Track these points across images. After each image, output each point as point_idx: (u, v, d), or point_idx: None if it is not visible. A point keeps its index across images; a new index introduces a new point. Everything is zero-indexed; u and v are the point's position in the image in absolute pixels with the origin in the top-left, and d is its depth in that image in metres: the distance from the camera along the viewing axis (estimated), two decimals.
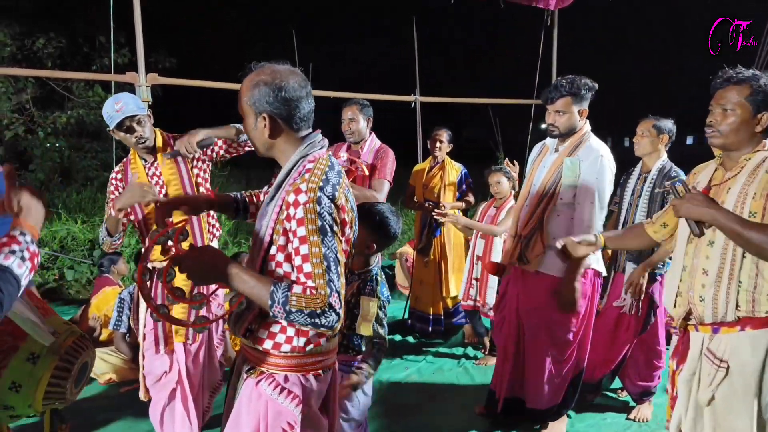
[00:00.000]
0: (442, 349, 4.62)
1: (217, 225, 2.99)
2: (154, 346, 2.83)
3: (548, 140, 3.13)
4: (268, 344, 1.63)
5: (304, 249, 1.49)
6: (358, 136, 3.65)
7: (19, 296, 1.35)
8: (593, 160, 2.84)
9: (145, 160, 2.79)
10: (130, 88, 4.17)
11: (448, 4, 5.72)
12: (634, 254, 3.31)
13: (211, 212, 2.89)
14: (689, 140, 43.43)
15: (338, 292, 1.50)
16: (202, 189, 2.85)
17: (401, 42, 7.13)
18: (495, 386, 3.31)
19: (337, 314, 1.49)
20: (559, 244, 2.47)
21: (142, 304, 2.91)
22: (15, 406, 1.55)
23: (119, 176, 2.85)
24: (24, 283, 1.39)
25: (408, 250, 5.73)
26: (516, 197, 4.00)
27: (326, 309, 1.47)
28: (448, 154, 4.76)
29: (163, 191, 2.76)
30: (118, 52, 9.89)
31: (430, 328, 4.79)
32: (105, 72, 9.67)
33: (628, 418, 3.43)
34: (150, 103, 4.05)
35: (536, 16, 6.69)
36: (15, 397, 1.54)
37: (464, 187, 4.70)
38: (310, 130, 1.68)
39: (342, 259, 1.54)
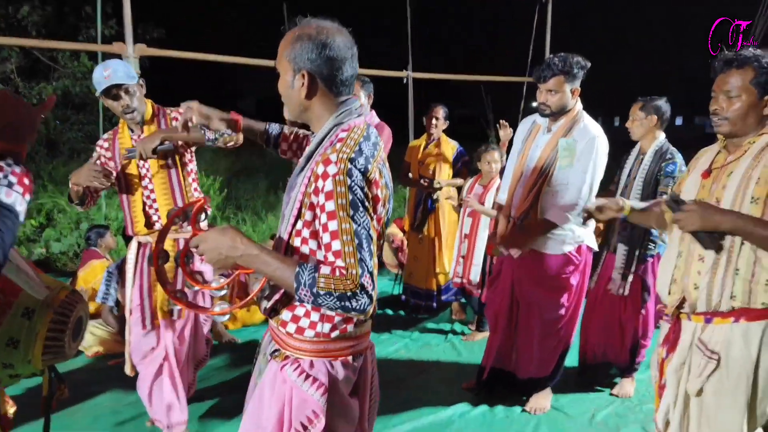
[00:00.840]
0: (429, 325, 4.67)
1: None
2: (141, 322, 2.84)
3: (538, 118, 3.09)
4: (291, 327, 1.54)
5: (332, 225, 1.38)
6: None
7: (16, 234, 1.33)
8: (589, 142, 2.84)
9: (133, 131, 2.76)
10: (117, 59, 4.10)
11: None
12: (626, 235, 3.29)
13: (196, 187, 2.89)
14: (678, 121, 43.61)
15: (370, 273, 1.38)
16: (189, 167, 2.83)
17: (395, 16, 7.05)
18: (485, 361, 3.37)
19: (369, 296, 1.38)
20: (590, 205, 2.35)
21: (129, 278, 2.90)
22: (14, 363, 1.52)
23: (106, 145, 2.83)
24: (21, 209, 1.31)
25: (394, 230, 5.75)
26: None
27: (357, 291, 1.35)
28: (443, 131, 4.74)
29: (146, 165, 2.74)
30: (106, 24, 9.69)
31: (423, 303, 4.85)
32: (91, 42, 9.48)
33: (611, 394, 3.49)
34: (139, 74, 3.98)
35: None
36: (13, 353, 1.51)
37: (460, 164, 4.70)
38: (350, 96, 1.54)
39: (374, 236, 1.42)
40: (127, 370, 2.95)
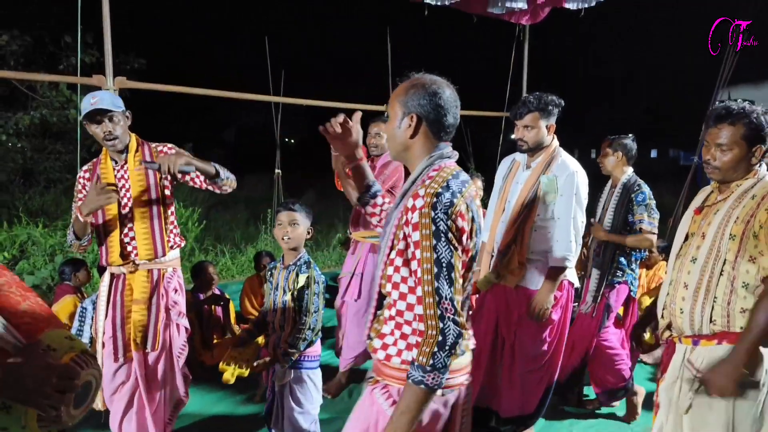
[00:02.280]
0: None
1: (178, 234, 3.00)
2: (114, 354, 2.78)
3: (518, 155, 3.20)
4: (381, 354, 1.67)
5: (417, 254, 1.53)
6: (381, 150, 3.87)
7: None
8: (568, 177, 2.93)
9: (116, 162, 2.79)
10: (97, 90, 4.07)
11: (422, 17, 5.76)
12: (598, 261, 3.54)
13: (173, 221, 2.94)
14: (653, 153, 44.58)
15: (450, 299, 1.50)
16: (168, 200, 2.87)
17: (376, 52, 7.16)
18: None
19: (455, 322, 1.50)
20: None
21: (101, 310, 2.86)
22: (8, 427, 1.44)
23: (87, 175, 2.86)
24: None
25: None
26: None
27: (441, 328, 1.49)
28: None
29: (128, 194, 2.77)
30: (86, 52, 9.68)
31: None
32: (71, 72, 9.45)
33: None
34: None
35: (508, 31, 6.80)
36: (6, 418, 1.41)
37: None
38: (447, 143, 1.72)
39: (457, 265, 1.54)
40: (99, 405, 2.87)
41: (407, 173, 1.80)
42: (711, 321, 2.00)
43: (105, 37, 4.03)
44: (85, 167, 2.90)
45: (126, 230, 2.78)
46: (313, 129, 3.82)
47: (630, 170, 3.57)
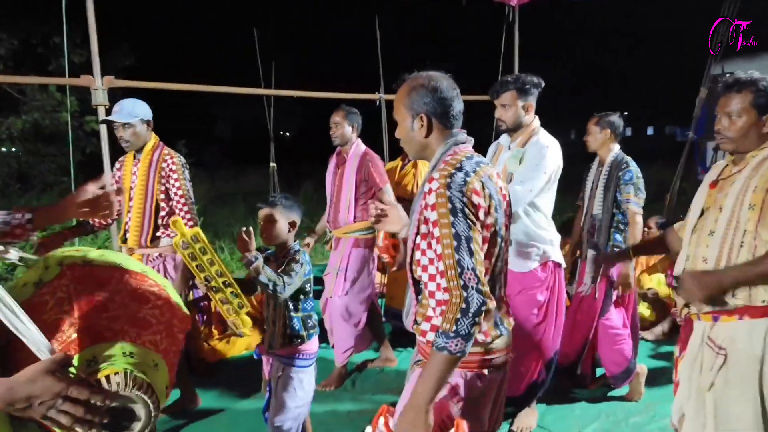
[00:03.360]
0: (412, 350, 4.62)
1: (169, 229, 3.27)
2: None
3: (502, 139, 3.23)
4: (430, 336, 1.70)
5: (436, 232, 1.60)
6: (342, 140, 3.89)
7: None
8: (538, 150, 2.95)
9: (135, 157, 3.27)
10: (86, 90, 4.05)
11: (410, 3, 5.71)
12: (593, 242, 3.53)
13: (163, 216, 3.26)
14: (649, 131, 44.50)
15: (472, 269, 1.56)
16: (160, 203, 3.23)
17: (365, 40, 7.11)
18: None
19: (479, 291, 1.55)
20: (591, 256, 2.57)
21: None
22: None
23: (118, 165, 3.40)
24: None
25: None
26: None
27: (465, 296, 1.54)
28: None
29: (133, 188, 3.22)
30: (75, 51, 9.61)
31: (404, 326, 4.81)
32: (61, 73, 9.38)
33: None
34: (107, 107, 3.95)
35: (498, 13, 6.74)
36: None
37: None
38: (460, 129, 1.80)
39: (477, 238, 1.60)
40: None
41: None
42: (733, 295, 1.96)
43: (91, 36, 3.99)
44: (120, 158, 3.39)
45: (127, 218, 3.26)
46: (307, 121, 3.92)
47: (617, 147, 3.55)
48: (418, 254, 1.71)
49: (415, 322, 1.79)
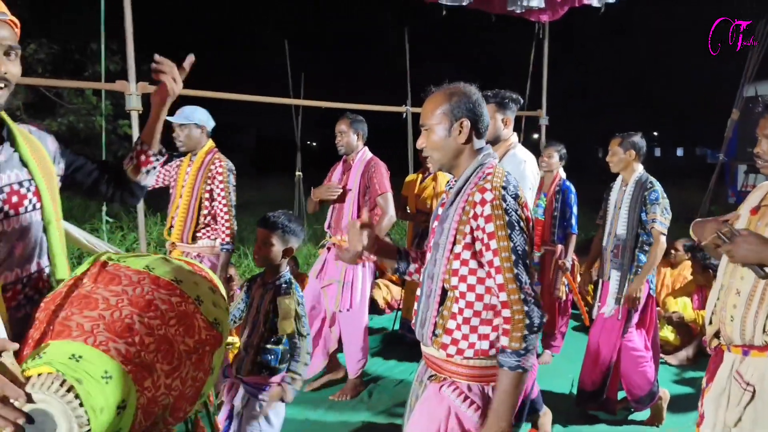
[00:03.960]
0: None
1: (212, 231, 3.57)
2: None
3: None
4: (452, 350, 1.70)
5: (493, 244, 1.61)
6: (348, 149, 3.90)
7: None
8: (515, 166, 2.96)
9: (190, 159, 3.60)
10: (122, 94, 4.16)
11: (440, 16, 5.74)
12: (617, 262, 3.46)
13: (205, 214, 3.51)
14: (679, 151, 43.86)
15: (529, 284, 1.61)
16: (204, 203, 3.48)
17: (394, 53, 7.16)
18: None
19: (537, 304, 1.60)
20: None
21: None
22: None
23: (177, 163, 3.70)
24: None
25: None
26: None
27: (527, 312, 1.57)
28: None
29: (184, 185, 3.51)
30: (111, 59, 9.86)
31: None
32: (97, 78, 9.63)
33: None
34: (140, 112, 4.05)
35: (528, 29, 6.74)
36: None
37: None
38: (485, 143, 1.82)
39: (528, 251, 1.65)
40: None
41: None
42: (764, 331, 1.85)
43: (128, 43, 4.10)
44: (180, 158, 3.68)
45: (174, 213, 3.55)
46: (333, 131, 3.89)
47: (641, 167, 3.50)
48: (456, 264, 1.70)
49: (434, 333, 1.76)
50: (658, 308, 4.42)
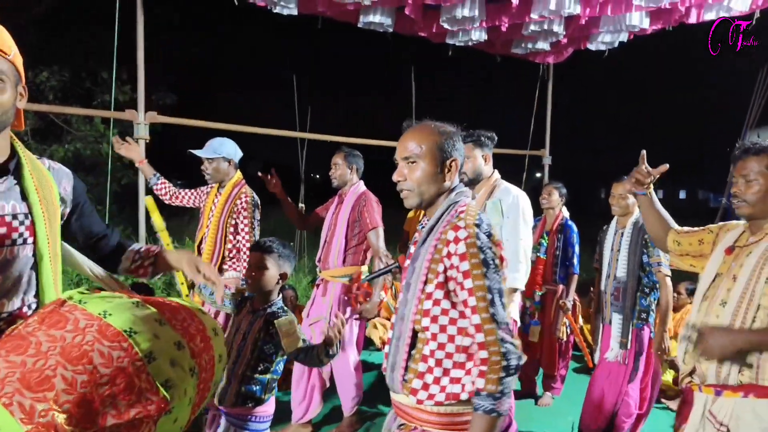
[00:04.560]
0: None
1: (237, 262, 3.60)
2: None
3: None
4: (422, 395, 1.63)
5: (468, 283, 1.56)
6: (341, 181, 3.88)
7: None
8: (513, 200, 3.03)
9: (218, 189, 3.67)
10: (130, 123, 4.21)
11: (446, 56, 5.84)
12: (618, 305, 3.41)
13: (230, 249, 3.61)
14: (681, 194, 43.96)
15: (506, 323, 1.56)
16: (228, 236, 3.55)
17: (399, 91, 7.26)
18: None
19: (513, 344, 1.54)
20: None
21: None
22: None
23: (206, 190, 3.83)
24: None
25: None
26: None
27: (504, 353, 1.52)
28: None
29: (212, 218, 3.59)
30: (120, 89, 10.01)
31: None
32: (106, 107, 9.76)
33: None
34: (147, 141, 4.10)
35: (533, 70, 6.85)
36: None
37: None
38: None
39: (504, 290, 1.59)
40: None
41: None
42: (739, 371, 1.86)
43: (138, 73, 4.17)
44: (209, 186, 3.78)
45: (201, 242, 3.61)
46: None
47: (637, 210, 3.44)
48: (428, 303, 1.63)
49: (404, 378, 1.67)
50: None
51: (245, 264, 3.41)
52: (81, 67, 10.74)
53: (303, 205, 7.46)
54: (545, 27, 5.11)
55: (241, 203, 3.52)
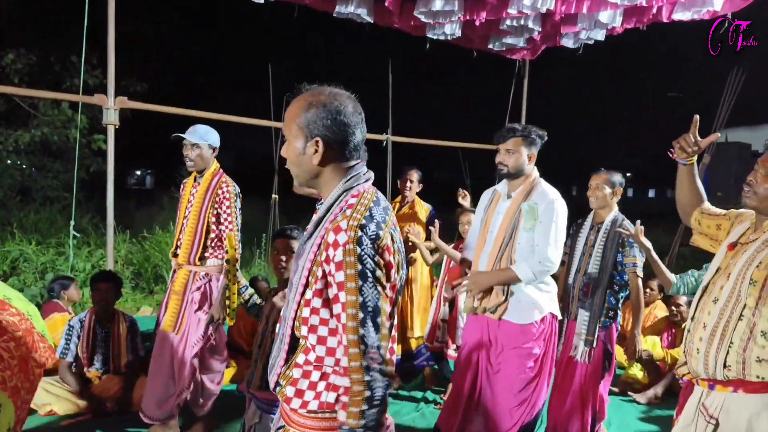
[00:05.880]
0: (402, 392, 4.52)
1: (219, 250, 3.53)
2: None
3: (499, 186, 3.20)
4: (295, 403, 1.47)
5: (342, 296, 1.38)
6: None
7: None
8: (548, 204, 2.94)
9: (195, 179, 3.53)
10: (99, 108, 4.11)
11: (424, 50, 5.83)
12: (585, 302, 3.36)
13: (213, 238, 3.48)
14: (651, 193, 44.81)
15: (377, 347, 1.37)
16: (211, 226, 3.45)
17: (376, 81, 7.24)
18: (442, 424, 3.23)
19: (381, 372, 1.37)
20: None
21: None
22: None
23: (181, 186, 3.67)
24: None
25: None
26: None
27: (368, 382, 1.35)
28: (417, 194, 4.78)
29: (190, 208, 3.45)
30: (90, 73, 9.77)
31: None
32: (75, 92, 9.52)
33: None
34: (116, 126, 4.00)
35: (508, 65, 6.88)
36: None
37: (431, 226, 4.71)
38: (358, 161, 1.55)
39: (384, 307, 1.40)
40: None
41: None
42: (725, 366, 1.89)
43: (109, 57, 4.07)
44: (185, 180, 3.65)
45: (180, 235, 3.49)
46: None
47: (616, 208, 3.44)
48: (306, 311, 1.45)
49: (278, 383, 1.53)
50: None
51: (225, 252, 3.44)
52: (50, 51, 10.46)
53: (276, 196, 7.41)
54: (521, 23, 5.15)
55: (222, 193, 3.48)
